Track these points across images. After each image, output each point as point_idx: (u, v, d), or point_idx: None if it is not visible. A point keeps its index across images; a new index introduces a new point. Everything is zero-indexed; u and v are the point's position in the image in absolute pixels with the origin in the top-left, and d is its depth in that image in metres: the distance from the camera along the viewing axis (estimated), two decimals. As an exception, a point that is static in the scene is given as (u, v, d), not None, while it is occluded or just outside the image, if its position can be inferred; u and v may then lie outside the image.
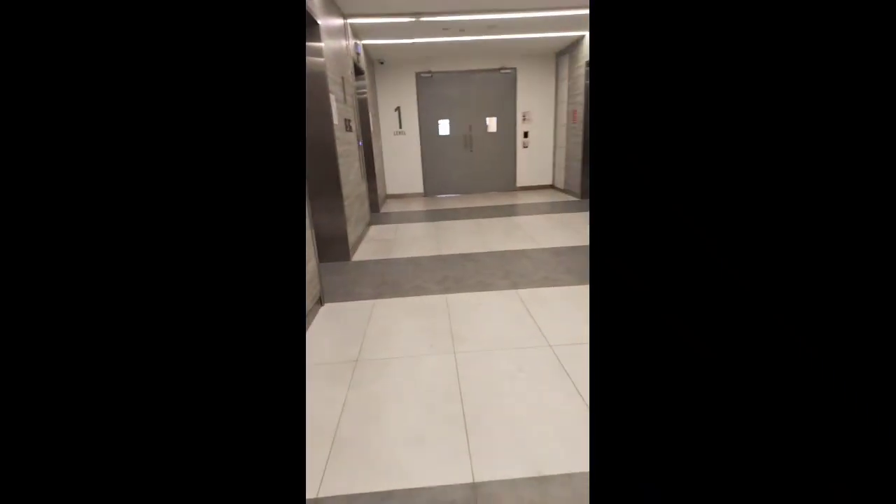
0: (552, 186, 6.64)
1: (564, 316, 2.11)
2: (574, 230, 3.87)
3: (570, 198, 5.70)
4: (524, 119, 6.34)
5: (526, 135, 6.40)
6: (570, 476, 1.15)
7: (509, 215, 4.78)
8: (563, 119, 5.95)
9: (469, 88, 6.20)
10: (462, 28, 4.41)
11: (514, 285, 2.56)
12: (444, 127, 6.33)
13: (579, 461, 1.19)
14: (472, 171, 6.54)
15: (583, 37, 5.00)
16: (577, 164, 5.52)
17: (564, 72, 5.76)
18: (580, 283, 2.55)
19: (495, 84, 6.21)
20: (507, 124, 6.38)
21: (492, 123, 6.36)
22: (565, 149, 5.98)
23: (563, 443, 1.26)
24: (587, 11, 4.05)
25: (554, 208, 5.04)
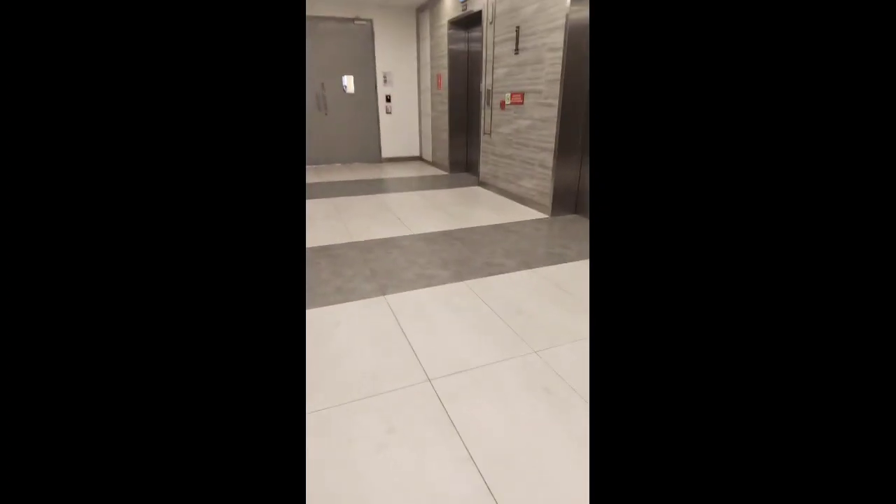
0: (420, 158, 6.25)
1: (444, 330, 1.73)
2: (446, 211, 3.54)
3: (440, 171, 5.39)
4: (385, 81, 5.70)
5: (388, 99, 5.79)
6: None
7: (376, 192, 4.23)
8: (428, 83, 5.50)
9: (320, 40, 5.25)
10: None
11: (382, 289, 2.09)
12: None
13: None
14: (327, 138, 5.70)
15: (445, -9, 4.54)
16: (445, 136, 5.19)
17: (426, 30, 5.26)
18: (456, 279, 2.20)
19: (350, 36, 5.39)
20: (367, 86, 5.67)
21: (349, 83, 5.57)
22: (431, 117, 5.58)
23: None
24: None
25: (423, 184, 4.65)
